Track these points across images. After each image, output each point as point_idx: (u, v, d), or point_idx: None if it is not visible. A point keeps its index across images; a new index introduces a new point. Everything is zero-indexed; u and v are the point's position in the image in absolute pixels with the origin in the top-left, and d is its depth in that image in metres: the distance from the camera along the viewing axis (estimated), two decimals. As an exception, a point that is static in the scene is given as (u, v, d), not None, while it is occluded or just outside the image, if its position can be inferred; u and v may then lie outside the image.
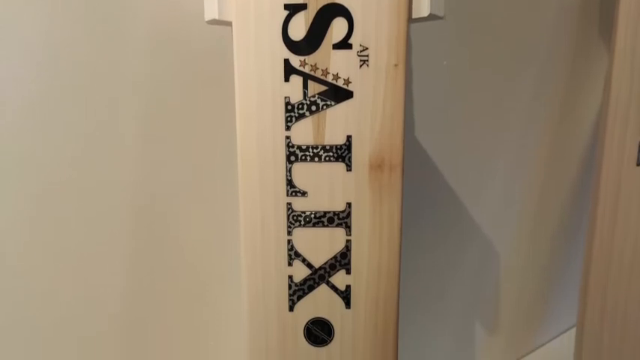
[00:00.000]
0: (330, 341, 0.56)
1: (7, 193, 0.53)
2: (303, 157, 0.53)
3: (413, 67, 0.68)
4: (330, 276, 0.55)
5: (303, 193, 0.53)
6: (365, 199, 0.53)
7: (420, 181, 0.77)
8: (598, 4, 0.88)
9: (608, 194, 0.78)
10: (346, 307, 0.56)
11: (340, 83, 0.51)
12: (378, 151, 0.52)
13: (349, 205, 0.53)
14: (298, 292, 0.55)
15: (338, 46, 0.51)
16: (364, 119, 0.52)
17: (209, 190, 0.62)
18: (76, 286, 0.58)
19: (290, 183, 0.53)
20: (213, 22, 0.52)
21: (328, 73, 0.51)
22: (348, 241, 0.54)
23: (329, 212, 0.54)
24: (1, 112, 0.51)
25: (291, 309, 0.56)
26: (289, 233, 0.54)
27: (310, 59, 0.51)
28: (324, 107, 0.52)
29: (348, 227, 0.54)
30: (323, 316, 0.56)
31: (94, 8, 0.53)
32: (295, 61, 0.51)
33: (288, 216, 0.54)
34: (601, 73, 0.79)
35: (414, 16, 0.51)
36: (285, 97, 0.52)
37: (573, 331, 0.86)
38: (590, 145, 0.96)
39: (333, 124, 0.52)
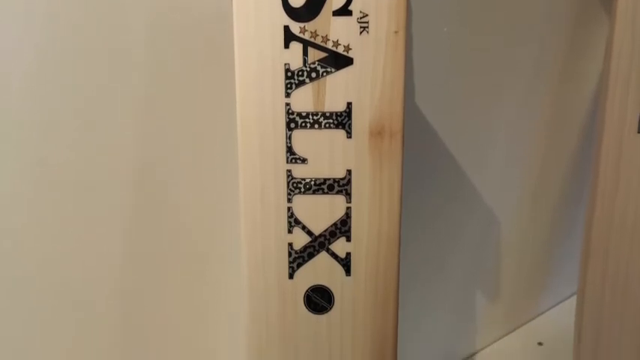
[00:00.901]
0: (330, 309, 0.57)
1: (4, 156, 0.53)
2: (303, 124, 0.54)
3: (413, 34, 0.69)
4: (330, 243, 0.56)
5: (303, 160, 0.54)
6: (365, 166, 0.54)
7: (420, 149, 0.77)
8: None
9: (609, 162, 0.78)
10: (346, 275, 0.57)
11: (340, 50, 0.52)
12: (378, 118, 0.53)
13: (349, 172, 0.54)
14: (298, 259, 0.56)
15: (338, 12, 0.52)
16: (364, 86, 0.53)
17: (209, 157, 0.63)
18: (73, 253, 0.59)
19: (290, 150, 0.54)
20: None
21: (328, 39, 0.52)
22: (348, 208, 0.55)
23: (329, 179, 0.55)
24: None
25: (290, 276, 0.57)
26: (289, 200, 0.55)
27: (310, 26, 0.52)
28: (324, 74, 0.53)
29: (348, 194, 0.55)
30: (323, 284, 0.57)
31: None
32: (295, 27, 0.52)
33: (288, 183, 0.55)
34: (602, 39, 0.79)
35: (415, -18, 0.52)
36: (285, 64, 0.53)
37: (574, 299, 0.87)
38: (591, 113, 0.96)
39: (333, 91, 0.53)
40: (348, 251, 0.56)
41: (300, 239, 0.56)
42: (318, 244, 0.56)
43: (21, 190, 0.55)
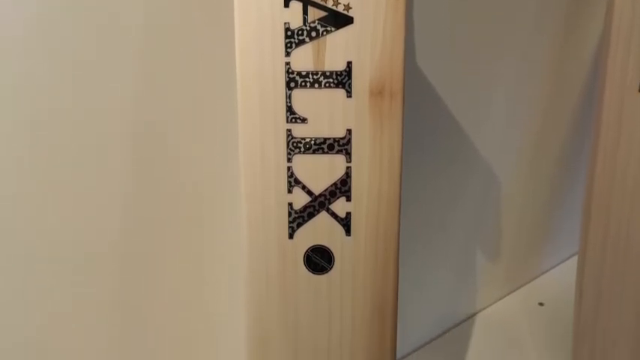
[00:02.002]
0: (330, 269, 0.58)
1: (1, 120, 0.54)
2: (303, 84, 0.54)
3: (414, -7, 0.69)
4: (330, 203, 0.57)
5: (303, 120, 0.55)
6: (365, 125, 0.55)
7: (420, 109, 0.78)
8: None
9: (610, 121, 0.78)
10: (346, 235, 0.58)
11: (340, 9, 0.53)
12: (378, 78, 0.54)
13: (349, 131, 0.55)
14: (298, 219, 0.57)
15: (338, -30, 0.52)
16: (364, 45, 0.53)
17: (209, 118, 0.64)
18: (73, 212, 0.60)
19: (290, 109, 0.55)
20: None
21: (328, -2, 0.53)
22: (348, 168, 0.56)
23: (329, 139, 0.55)
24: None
25: (290, 236, 0.58)
26: (289, 160, 0.56)
27: (310, -16, 0.53)
28: (324, 33, 0.53)
29: (348, 154, 0.56)
30: (323, 244, 0.58)
31: None
32: (295, -15, 0.53)
33: (288, 142, 0.55)
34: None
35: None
36: (285, 23, 0.53)
37: (575, 259, 0.88)
38: (592, 72, 0.97)
39: (333, 50, 0.54)
40: (348, 211, 0.57)
41: (300, 199, 0.57)
42: (318, 203, 0.57)
43: (18, 154, 0.55)
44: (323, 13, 0.53)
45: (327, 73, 0.54)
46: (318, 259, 0.58)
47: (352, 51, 0.54)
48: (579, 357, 0.87)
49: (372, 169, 0.56)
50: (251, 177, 0.56)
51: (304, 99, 0.55)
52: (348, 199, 0.57)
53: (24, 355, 0.61)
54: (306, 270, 0.59)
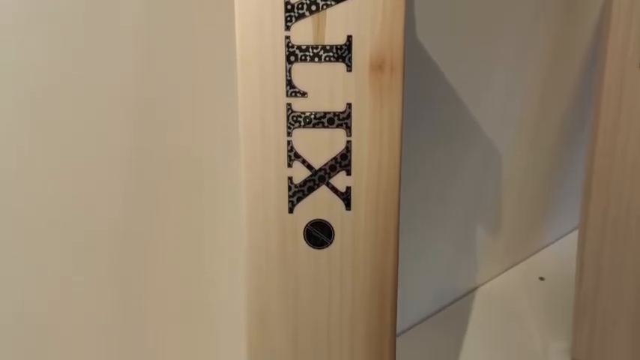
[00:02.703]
0: (330, 243, 0.59)
1: (4, 93, 0.54)
2: (303, 58, 0.55)
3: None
4: (330, 177, 0.57)
5: (303, 94, 0.56)
6: (365, 100, 0.56)
7: (421, 84, 0.78)
8: None
9: (610, 96, 0.79)
10: (346, 209, 0.58)
11: (340, -18, 0.53)
12: (378, 52, 0.54)
13: (349, 105, 0.56)
14: (298, 193, 0.58)
15: (338, -57, 0.52)
16: (364, 19, 0.54)
17: (209, 92, 0.64)
18: (74, 188, 0.60)
19: (290, 83, 0.55)
20: None
21: (328, -29, 0.53)
22: (349, 142, 0.56)
23: (329, 113, 0.56)
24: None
25: (290, 211, 0.58)
26: (289, 134, 0.56)
27: (310, -43, 0.53)
28: (324, 7, 0.54)
29: (348, 128, 0.56)
30: (323, 218, 0.58)
31: None
32: (295, -42, 0.53)
33: (288, 117, 0.56)
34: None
35: None
36: (285, -4, 0.53)
37: (575, 233, 0.88)
38: (593, 47, 0.97)
39: (333, 24, 0.54)
40: (348, 185, 0.57)
41: (300, 173, 0.57)
42: (318, 178, 0.57)
43: (20, 129, 0.56)
44: (323, -14, 0.53)
45: (327, 47, 0.55)
46: (318, 234, 0.59)
47: (352, 25, 0.54)
48: (579, 331, 0.88)
49: (372, 143, 0.57)
50: (251, 151, 0.57)
51: (304, 73, 0.55)
52: (348, 173, 0.57)
53: (24, 334, 0.61)
54: (306, 244, 0.59)
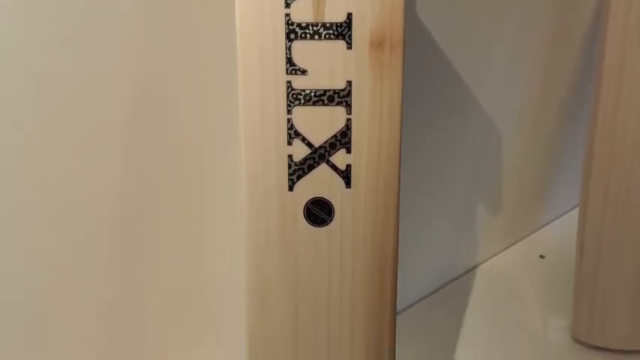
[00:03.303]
0: (330, 221, 0.59)
1: None
2: (303, 35, 0.55)
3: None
4: (330, 155, 0.58)
5: (303, 72, 0.56)
6: (365, 77, 0.56)
7: (421, 62, 0.78)
8: None
9: (611, 77, 0.79)
10: (346, 187, 0.58)
11: (340, -41, 0.53)
12: (379, 29, 0.55)
13: (349, 83, 0.56)
14: (298, 171, 0.58)
15: None
16: (365, -4, 0.54)
17: (208, 71, 0.64)
18: (72, 176, 0.61)
19: (290, 61, 0.56)
20: None
21: (328, -53, 0.53)
22: (349, 119, 0.57)
23: (329, 91, 0.56)
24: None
25: (290, 189, 0.58)
26: (289, 112, 0.57)
27: None
28: (324, -16, 0.54)
29: (348, 106, 0.56)
30: (323, 196, 0.59)
31: None
32: None
33: (288, 94, 0.56)
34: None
35: None
36: (284, -27, 0.54)
37: (576, 211, 0.89)
38: (593, 27, 0.97)
39: (333, 2, 0.54)
40: (348, 163, 0.58)
41: (300, 151, 0.58)
42: (318, 155, 0.58)
43: (17, 120, 0.56)
44: (323, -36, 0.53)
45: (327, 25, 0.55)
46: (318, 212, 0.59)
47: (352, 2, 0.54)
48: (579, 310, 0.88)
49: (373, 121, 0.57)
50: (250, 129, 0.57)
51: (304, 51, 0.56)
52: (348, 151, 0.58)
53: (24, 324, 0.62)
54: (306, 222, 0.59)
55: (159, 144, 0.64)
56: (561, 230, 1.14)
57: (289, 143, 0.57)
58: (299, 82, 0.56)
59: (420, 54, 0.77)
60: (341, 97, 0.56)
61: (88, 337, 0.66)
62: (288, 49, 0.55)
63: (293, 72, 0.56)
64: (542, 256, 1.08)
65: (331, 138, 0.58)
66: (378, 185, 0.59)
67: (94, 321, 0.67)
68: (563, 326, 0.93)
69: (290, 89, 0.56)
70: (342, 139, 0.57)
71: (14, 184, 0.57)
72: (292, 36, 0.55)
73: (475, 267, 1.06)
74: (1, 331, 0.61)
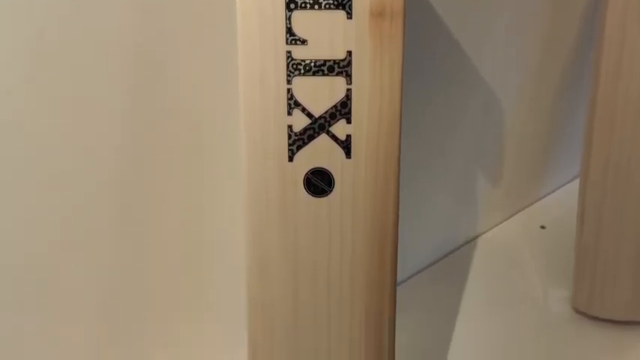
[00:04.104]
0: (330, 191, 0.60)
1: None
2: (303, 5, 0.55)
3: None
4: (330, 125, 0.58)
5: (303, 42, 0.56)
6: (365, 47, 0.56)
7: (421, 31, 0.79)
8: None
9: (612, 43, 0.79)
10: (346, 157, 0.59)
11: None
12: (379, -1, 0.55)
13: (350, 53, 0.56)
14: (298, 141, 0.59)
15: None
16: (365, -35, 0.54)
17: (208, 39, 0.64)
18: (72, 138, 0.61)
19: (289, 31, 0.56)
20: None
21: None
22: (349, 90, 0.57)
23: (329, 61, 0.57)
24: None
25: (290, 159, 0.59)
26: (289, 82, 0.57)
27: None
28: (324, -48, 0.54)
29: (348, 76, 0.57)
30: (323, 166, 0.59)
31: None
32: None
33: (288, 64, 0.57)
34: None
35: None
36: (284, -58, 0.54)
37: (577, 181, 0.89)
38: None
39: (333, -29, 0.55)
40: (349, 133, 0.58)
41: (300, 121, 0.58)
42: (318, 126, 0.58)
43: (16, 72, 0.56)
44: None
45: (327, -6, 0.55)
46: (318, 182, 0.60)
47: (352, -29, 0.55)
48: (580, 281, 0.89)
49: (373, 91, 0.58)
50: (250, 99, 0.58)
51: (304, 20, 0.56)
52: (349, 121, 0.58)
53: (24, 281, 0.63)
54: (306, 193, 0.60)
55: (159, 111, 0.65)
56: (562, 201, 1.14)
57: (289, 113, 0.58)
58: (299, 52, 0.57)
59: (420, 24, 0.77)
60: (341, 68, 0.57)
61: (86, 304, 0.67)
62: (288, 18, 0.56)
63: (293, 42, 0.56)
64: (542, 227, 1.09)
65: (331, 108, 0.58)
66: (378, 155, 0.59)
67: (92, 291, 0.67)
68: (564, 297, 0.94)
69: (290, 59, 0.57)
70: (342, 110, 0.58)
71: (12, 149, 0.58)
72: (292, 5, 0.55)
73: (476, 238, 1.07)
74: (1, 297, 0.61)
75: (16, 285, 0.62)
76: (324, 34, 0.56)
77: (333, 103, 0.58)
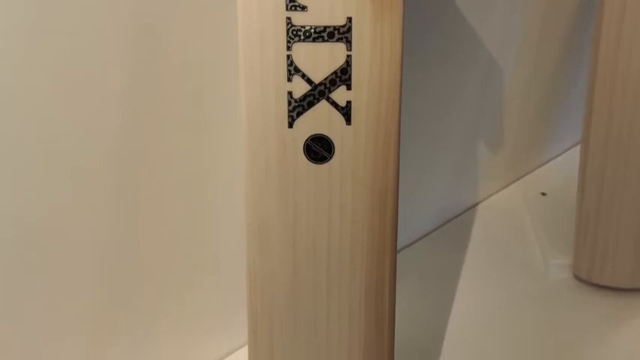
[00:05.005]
0: (331, 158, 0.60)
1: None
2: (303, -30, 0.56)
3: None
4: (330, 92, 0.59)
5: (303, 8, 0.57)
6: (366, 13, 0.57)
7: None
8: None
9: (613, 7, 0.80)
10: (347, 124, 0.59)
11: None
12: (379, -37, 0.55)
13: (350, 19, 0.57)
14: (298, 108, 0.59)
15: None
16: None
17: (208, 7, 0.64)
18: (72, 108, 0.61)
19: (289, -3, 0.56)
20: None
21: None
22: (349, 56, 0.58)
23: (329, 27, 0.57)
24: None
25: (290, 125, 0.59)
26: (289, 48, 0.57)
27: None
28: None
29: (348, 42, 0.57)
30: (323, 133, 0.60)
31: None
32: None
33: (288, 30, 0.57)
34: None
35: None
36: None
37: (578, 148, 0.90)
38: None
39: None
40: (349, 100, 0.59)
41: (300, 88, 0.58)
42: (318, 92, 0.59)
43: (14, 47, 0.56)
44: None
45: (328, -41, 0.55)
46: (318, 149, 0.60)
47: (353, -64, 0.55)
48: (581, 247, 0.90)
49: (373, 57, 0.58)
50: (250, 65, 0.58)
51: (304, -15, 0.56)
52: (349, 87, 0.59)
53: (24, 244, 0.63)
54: (306, 159, 0.61)
55: (159, 78, 0.65)
56: (563, 167, 1.15)
57: (289, 80, 0.58)
58: (299, 19, 0.57)
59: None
60: (341, 34, 0.57)
61: (85, 269, 0.67)
62: (288, -16, 0.56)
63: (293, 8, 0.57)
64: (543, 194, 1.09)
65: (331, 74, 0.58)
66: (378, 122, 0.60)
67: (91, 257, 0.68)
68: (564, 264, 0.94)
69: (290, 25, 0.57)
70: (343, 76, 0.58)
71: (10, 117, 0.58)
72: (292, -29, 0.56)
73: (476, 205, 1.07)
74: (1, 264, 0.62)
75: (15, 250, 0.62)
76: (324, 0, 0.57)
77: (333, 70, 0.58)
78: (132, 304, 0.73)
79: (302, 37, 0.57)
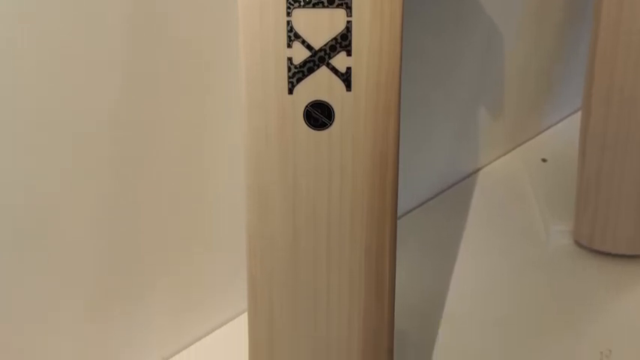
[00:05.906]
0: (331, 124, 0.61)
1: None
2: None
3: None
4: (330, 58, 0.59)
5: None
6: (366, -22, 0.57)
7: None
8: None
9: None
10: (347, 90, 0.60)
11: None
12: None
13: None
14: (298, 74, 0.59)
15: None
16: None
17: None
18: (71, 82, 0.61)
19: (289, -39, 0.56)
20: None
21: None
22: (349, 22, 0.58)
23: None
24: None
25: (290, 92, 0.60)
26: (288, 14, 0.57)
27: None
28: None
29: (348, 8, 0.57)
30: (323, 99, 0.60)
31: None
32: None
33: None
34: None
35: None
36: None
37: (579, 114, 0.90)
38: None
39: None
40: (349, 66, 0.59)
41: (300, 54, 0.59)
42: (318, 58, 0.59)
43: (13, 22, 0.56)
44: None
45: None
46: (318, 115, 0.60)
47: None
48: (582, 213, 0.91)
49: (373, 23, 0.58)
50: (249, 31, 0.58)
51: (303, -48, 0.56)
52: (349, 53, 0.59)
53: (24, 213, 0.64)
54: (306, 126, 0.61)
55: (159, 45, 0.65)
56: (564, 133, 1.15)
57: (289, 46, 0.58)
58: (298, -16, 0.57)
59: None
60: (341, 0, 0.57)
61: (86, 236, 0.68)
62: (287, -51, 0.56)
63: (292, -27, 0.57)
64: (544, 160, 1.10)
65: (331, 40, 0.59)
66: (379, 88, 0.60)
67: (91, 225, 0.68)
68: (565, 230, 0.95)
69: (289, -9, 0.57)
70: (343, 42, 0.58)
71: (12, 87, 0.58)
72: (291, -64, 0.56)
73: (476, 171, 1.08)
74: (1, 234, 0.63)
75: (16, 222, 0.63)
76: (324, -36, 0.57)
77: (333, 36, 0.58)
78: (130, 269, 0.73)
79: (302, 3, 0.57)
